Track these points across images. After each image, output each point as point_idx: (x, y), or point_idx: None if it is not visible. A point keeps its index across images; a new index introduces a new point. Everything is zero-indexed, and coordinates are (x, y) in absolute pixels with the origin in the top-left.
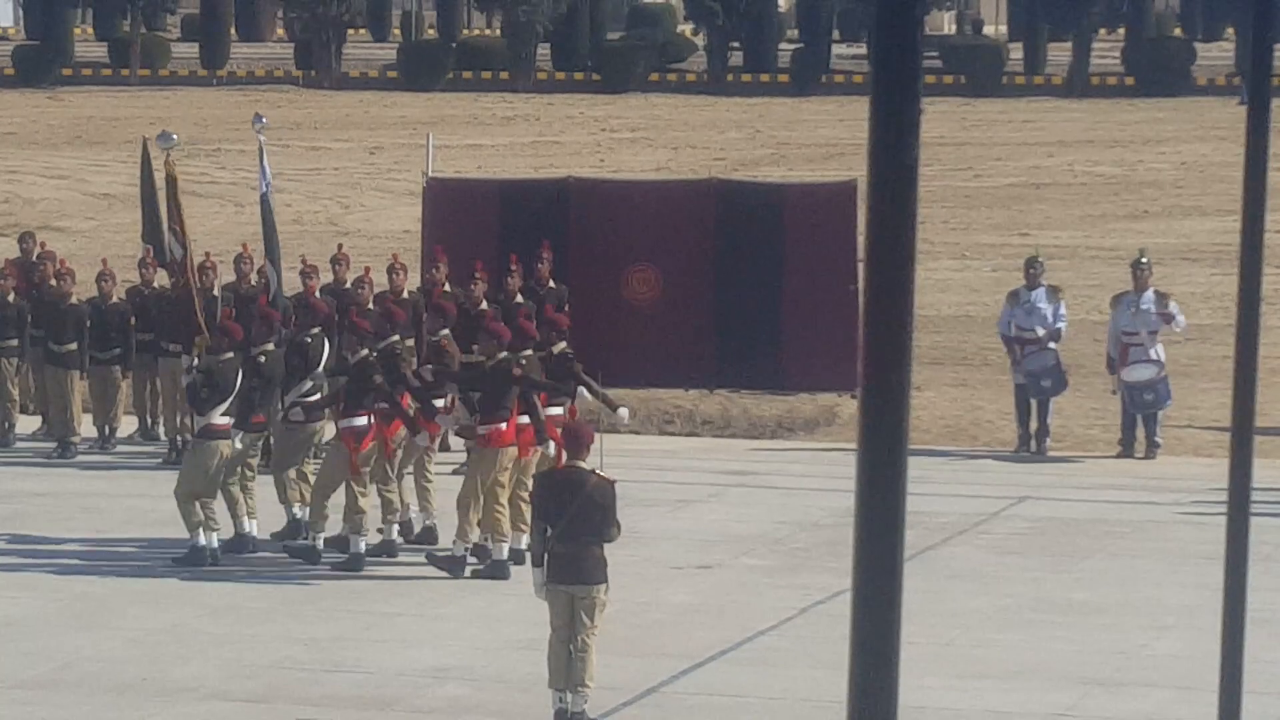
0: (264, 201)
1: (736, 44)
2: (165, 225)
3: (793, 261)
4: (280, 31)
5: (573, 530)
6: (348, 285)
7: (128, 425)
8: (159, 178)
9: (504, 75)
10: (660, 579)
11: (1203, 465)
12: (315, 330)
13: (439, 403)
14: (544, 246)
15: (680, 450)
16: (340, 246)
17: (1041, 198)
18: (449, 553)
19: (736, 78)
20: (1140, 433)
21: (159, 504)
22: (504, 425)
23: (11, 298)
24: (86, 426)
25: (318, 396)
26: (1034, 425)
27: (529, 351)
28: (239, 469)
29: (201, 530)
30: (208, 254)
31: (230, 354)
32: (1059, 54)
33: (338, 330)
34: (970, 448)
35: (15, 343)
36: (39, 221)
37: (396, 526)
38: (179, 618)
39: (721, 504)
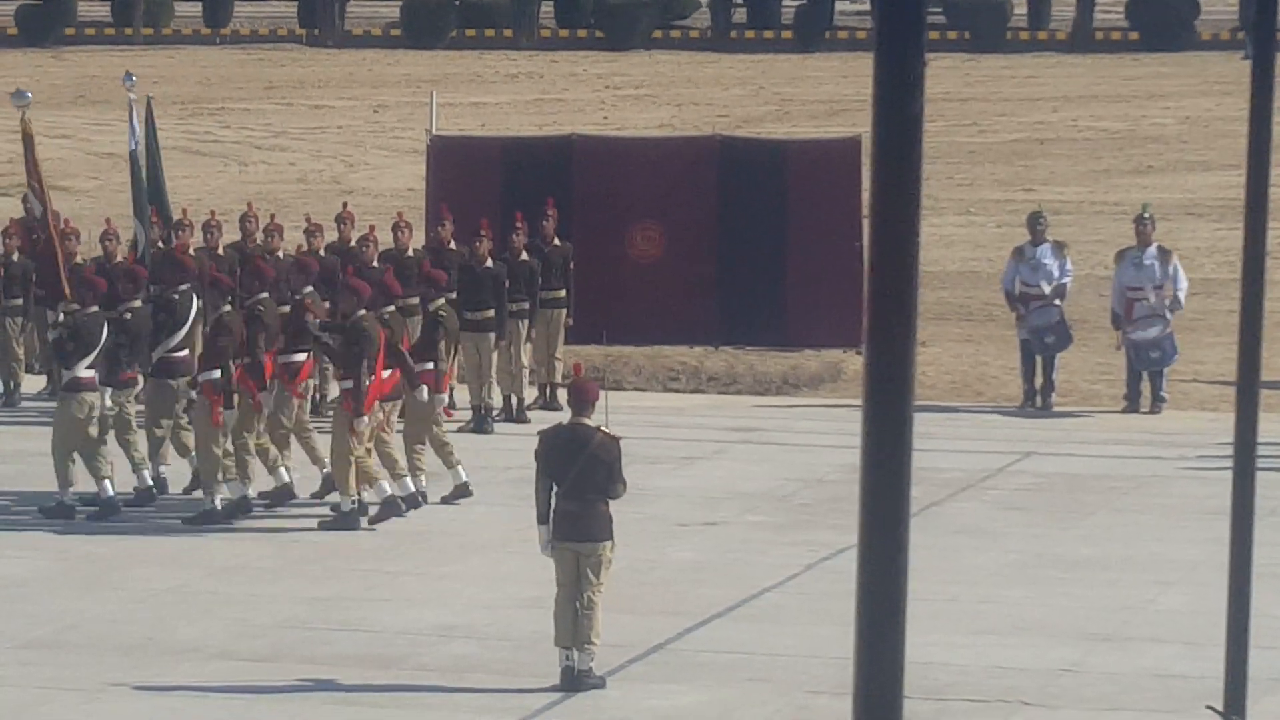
0: (132, 159)
1: (740, 0)
2: (29, 181)
3: (796, 218)
4: None
5: (578, 487)
6: (352, 244)
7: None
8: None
9: (507, 33)
10: (666, 536)
11: (1208, 420)
12: (184, 287)
13: (300, 356)
14: (548, 204)
15: (685, 407)
16: (345, 205)
17: (1046, 153)
18: (338, 512)
19: (740, 34)
20: (1145, 388)
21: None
22: (365, 384)
23: (16, 257)
24: None
25: (184, 352)
26: (1039, 381)
27: (391, 308)
28: (110, 426)
29: (67, 486)
30: (109, 221)
31: (95, 308)
32: (1063, 9)
33: (205, 287)
34: (975, 403)
35: (20, 302)
36: (45, 179)
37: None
38: (185, 578)
39: (727, 461)
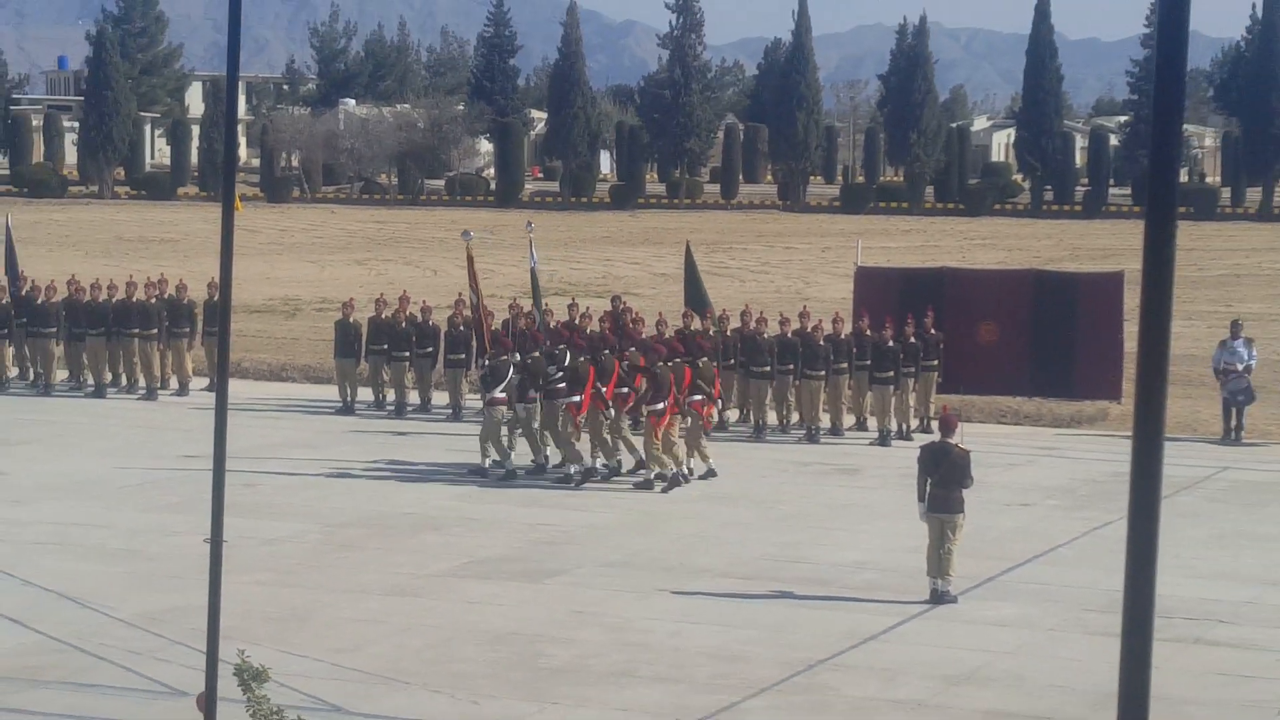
0: (532, 274)
1: (1049, 186)
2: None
3: (1083, 319)
4: (769, 176)
5: (944, 480)
6: (809, 330)
7: None
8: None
9: (904, 205)
10: (996, 512)
11: None
12: (560, 347)
13: (625, 390)
14: (928, 309)
15: (1010, 434)
16: (804, 306)
17: (1241, 283)
18: (644, 477)
19: (1048, 207)
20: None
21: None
22: (660, 406)
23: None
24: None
25: (562, 384)
26: (1234, 423)
27: (677, 360)
28: (518, 425)
29: (494, 460)
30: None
31: (505, 357)
32: (1254, 194)
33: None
34: (1192, 435)
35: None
36: (622, 289)
37: (600, 460)
38: (702, 528)
39: (1034, 467)
